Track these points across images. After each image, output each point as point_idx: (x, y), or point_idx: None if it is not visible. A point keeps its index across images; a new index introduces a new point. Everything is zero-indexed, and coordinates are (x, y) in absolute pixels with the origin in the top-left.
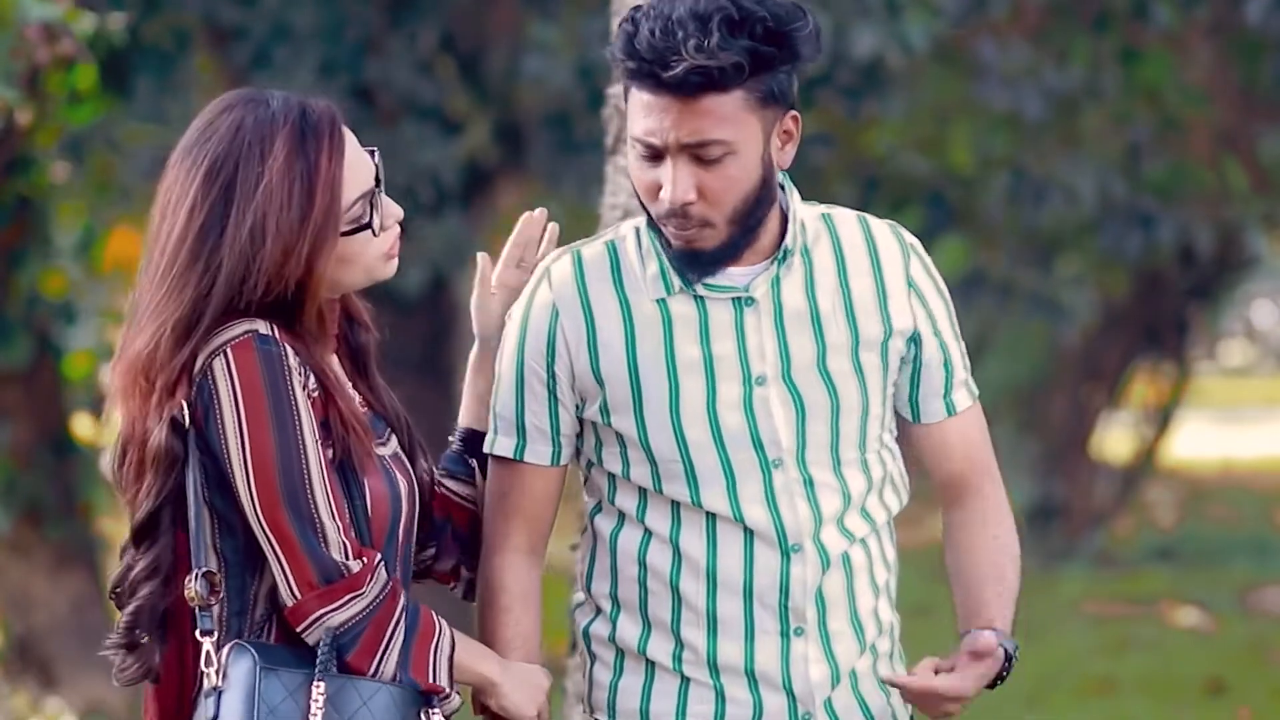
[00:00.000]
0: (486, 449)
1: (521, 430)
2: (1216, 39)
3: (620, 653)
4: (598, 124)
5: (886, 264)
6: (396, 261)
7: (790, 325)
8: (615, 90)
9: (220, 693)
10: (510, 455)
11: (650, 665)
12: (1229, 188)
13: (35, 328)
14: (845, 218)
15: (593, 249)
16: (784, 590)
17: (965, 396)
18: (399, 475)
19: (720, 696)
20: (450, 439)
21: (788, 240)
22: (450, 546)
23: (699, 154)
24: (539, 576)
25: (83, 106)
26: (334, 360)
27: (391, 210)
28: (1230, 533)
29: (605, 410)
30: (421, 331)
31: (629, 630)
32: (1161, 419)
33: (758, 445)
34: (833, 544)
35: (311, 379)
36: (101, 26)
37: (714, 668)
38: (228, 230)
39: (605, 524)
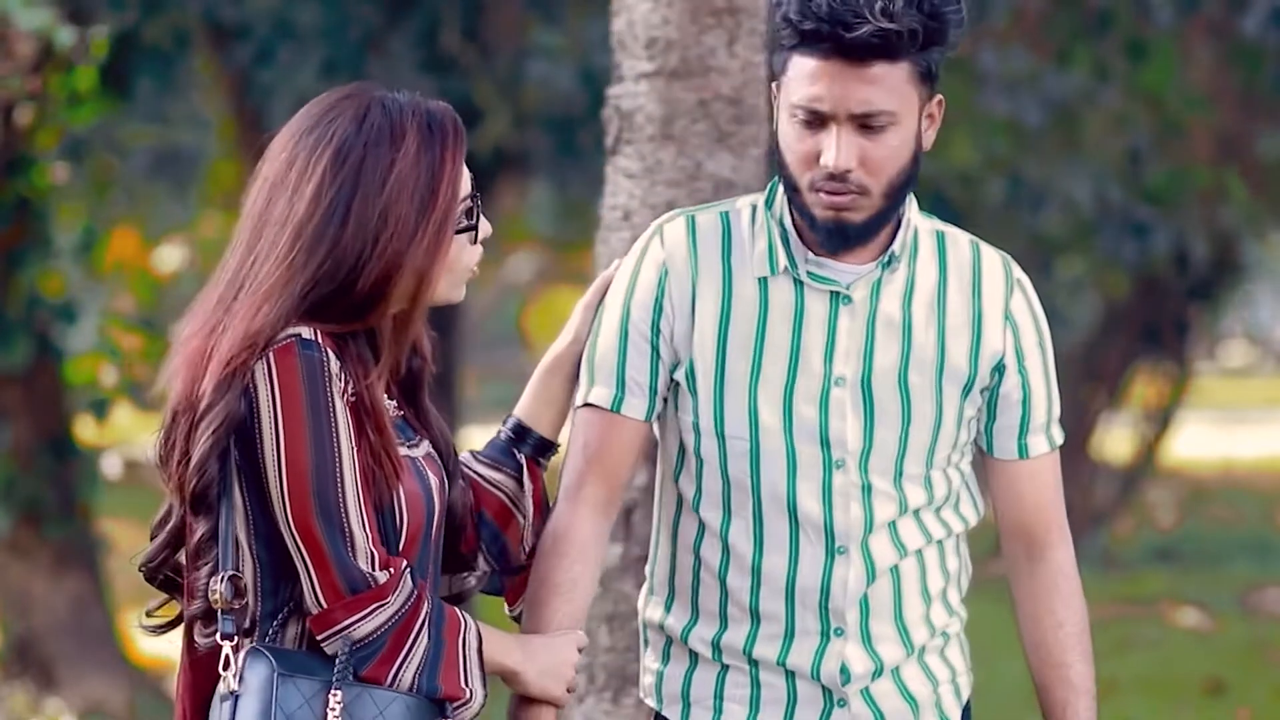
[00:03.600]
0: (580, 400)
1: (621, 382)
2: (1216, 44)
3: (669, 640)
4: (599, 126)
5: (988, 290)
6: (464, 289)
7: (880, 331)
8: (615, 92)
9: (237, 697)
10: (607, 406)
11: (694, 655)
12: (1227, 194)
13: (35, 328)
14: (958, 238)
15: (707, 216)
16: (825, 591)
17: (1043, 443)
18: (430, 472)
19: (755, 682)
20: (500, 429)
21: (895, 245)
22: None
23: (866, 122)
24: (606, 534)
25: (83, 107)
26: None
27: (485, 226)
28: (1230, 533)
29: (691, 375)
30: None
31: (679, 619)
32: (1162, 419)
33: (824, 443)
34: (881, 553)
35: (350, 384)
36: (83, 39)
37: (751, 660)
38: (353, 212)
39: (668, 511)
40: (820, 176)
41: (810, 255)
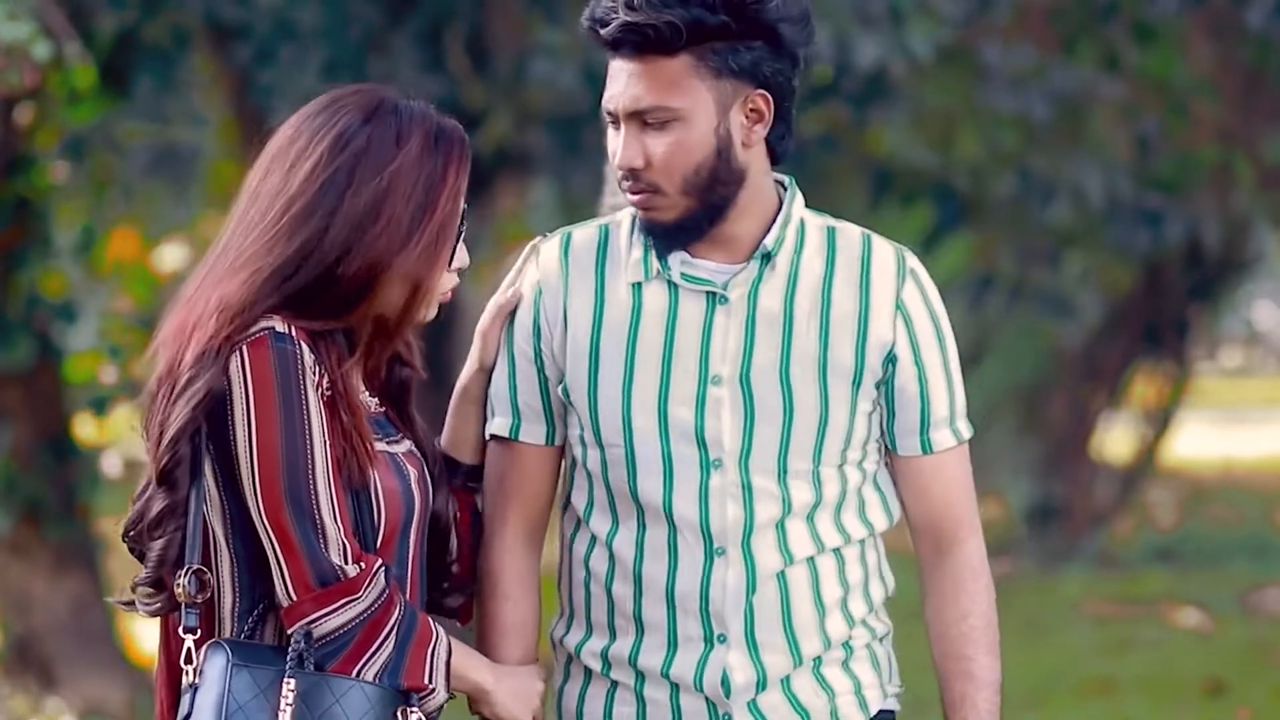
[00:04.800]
0: (487, 433)
1: (516, 410)
2: (1220, 37)
3: (569, 658)
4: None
5: (877, 281)
6: (436, 309)
7: (761, 328)
8: None
9: (195, 690)
10: (506, 434)
11: (587, 672)
12: (1235, 181)
13: (35, 328)
14: (849, 232)
15: (584, 231)
16: (704, 595)
17: (948, 437)
18: (410, 467)
19: (640, 699)
20: None
21: (768, 240)
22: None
23: (645, 119)
24: (537, 563)
25: (82, 106)
26: (354, 374)
27: (463, 255)
28: (1230, 533)
29: (567, 389)
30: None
31: (575, 635)
32: (1162, 419)
33: (701, 443)
34: (765, 557)
35: (325, 379)
36: (60, 54)
37: (637, 672)
38: (345, 199)
39: (567, 527)
40: (620, 176)
41: (686, 257)
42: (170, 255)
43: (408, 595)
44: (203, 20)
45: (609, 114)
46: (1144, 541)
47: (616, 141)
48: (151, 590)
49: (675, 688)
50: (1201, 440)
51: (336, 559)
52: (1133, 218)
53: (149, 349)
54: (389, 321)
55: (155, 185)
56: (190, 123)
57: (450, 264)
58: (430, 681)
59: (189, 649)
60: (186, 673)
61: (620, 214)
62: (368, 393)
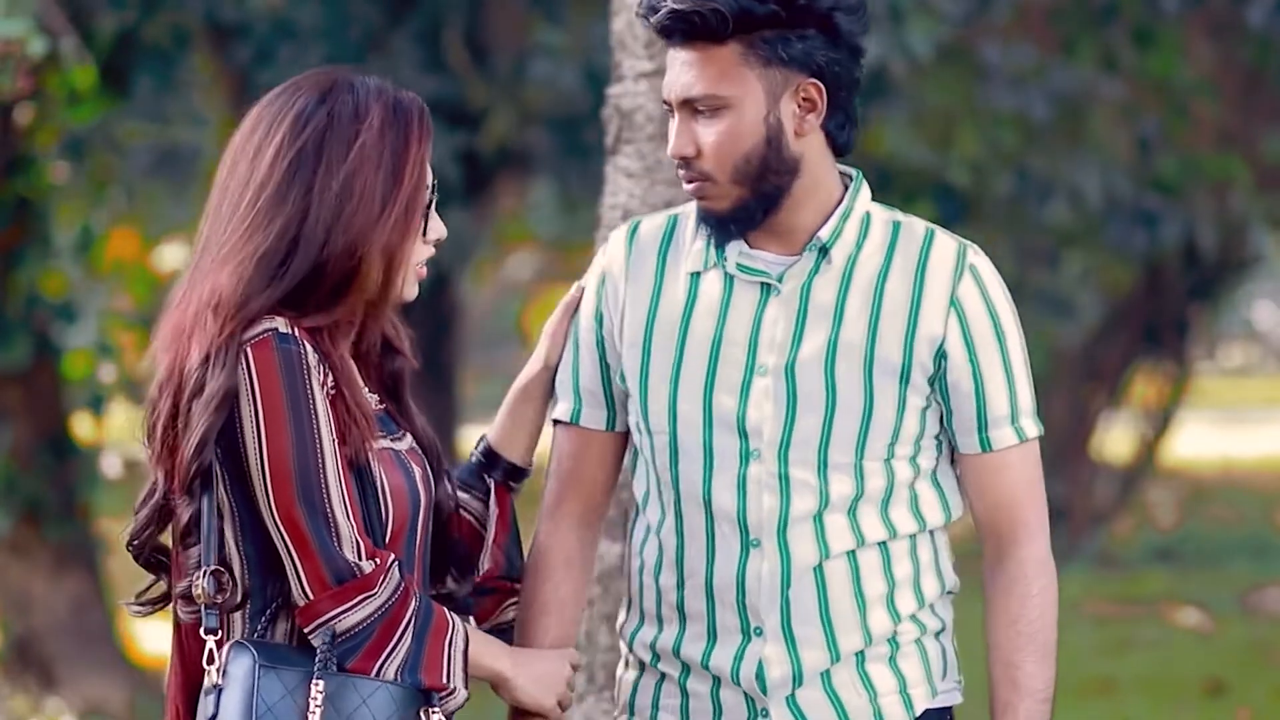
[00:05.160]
0: (550, 417)
1: (578, 394)
2: (1220, 37)
3: (628, 646)
4: (601, 125)
5: (932, 275)
6: (417, 287)
7: (810, 320)
8: (615, 91)
9: (220, 690)
10: (567, 419)
11: (640, 663)
12: (1234, 182)
13: (35, 328)
14: (914, 227)
15: (653, 220)
16: (740, 586)
17: (1008, 435)
18: (414, 464)
19: (684, 691)
20: (473, 452)
21: (822, 232)
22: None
23: (695, 107)
24: (590, 547)
25: (82, 106)
26: (349, 359)
27: (438, 226)
28: (1230, 533)
29: (623, 375)
30: (422, 329)
31: (630, 625)
32: (1162, 419)
33: (741, 433)
34: (801, 549)
35: (330, 376)
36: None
37: (681, 663)
38: (318, 178)
39: (631, 516)
40: (676, 165)
41: (744, 248)
42: (170, 255)
43: None
44: (202, 20)
45: (665, 102)
46: (1144, 541)
47: (671, 130)
48: (186, 600)
49: (716, 681)
50: (1201, 440)
51: (351, 556)
52: (1131, 218)
53: (147, 352)
54: (374, 302)
55: (155, 185)
56: (190, 123)
57: (426, 235)
58: (449, 681)
59: (210, 650)
60: (209, 673)
61: (690, 205)
62: (368, 389)
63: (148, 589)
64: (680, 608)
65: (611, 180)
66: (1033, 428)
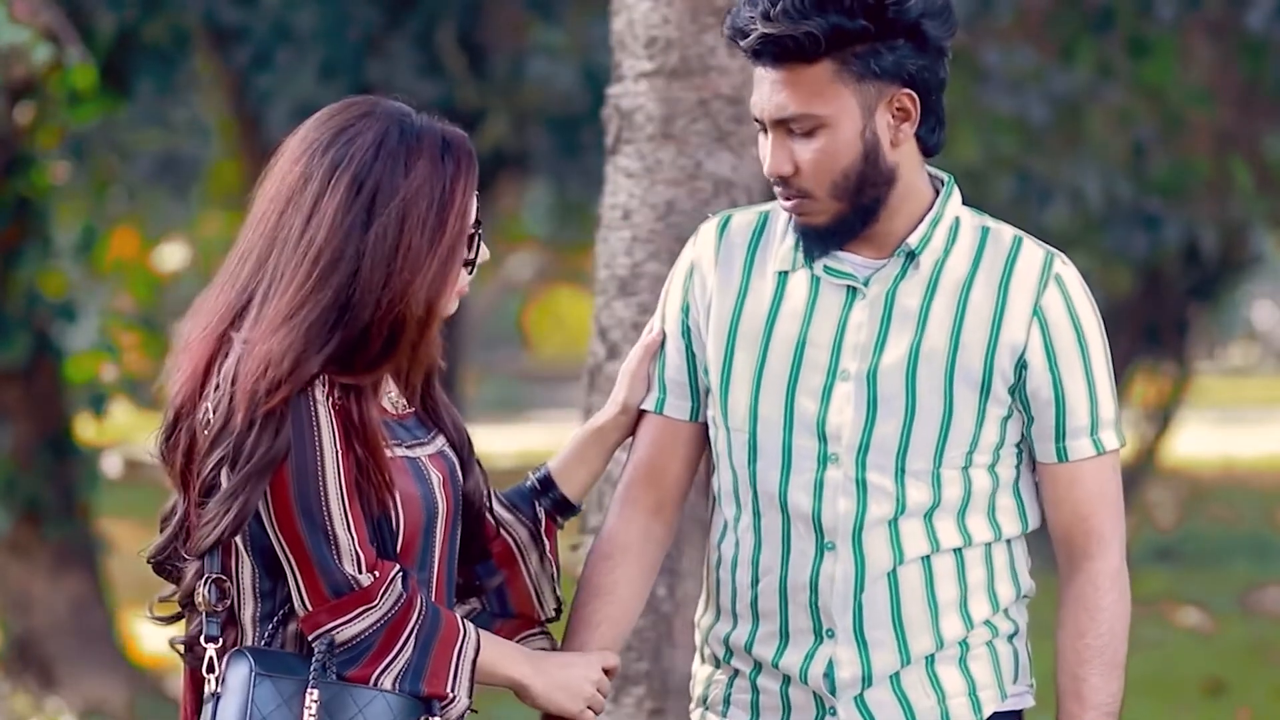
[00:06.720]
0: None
1: (663, 384)
2: (1219, 40)
3: (704, 640)
4: (600, 125)
5: (1017, 283)
6: (456, 302)
7: (894, 325)
8: (615, 91)
9: (218, 699)
10: (652, 409)
11: (715, 657)
12: (1233, 185)
13: (35, 327)
14: (1002, 234)
15: (745, 215)
16: (813, 588)
17: (1086, 446)
18: (433, 470)
19: (754, 687)
20: (529, 474)
21: (911, 239)
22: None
23: (790, 127)
24: (656, 541)
25: (83, 106)
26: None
27: (484, 252)
28: (1230, 533)
29: (706, 368)
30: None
31: (707, 619)
32: (1162, 419)
33: (821, 436)
34: (875, 554)
35: (337, 391)
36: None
37: (753, 660)
38: (369, 241)
39: (711, 511)
40: (773, 183)
41: (834, 250)
42: (170, 255)
43: (433, 596)
44: (202, 21)
45: (756, 120)
46: (1144, 541)
47: (765, 148)
48: (189, 607)
49: (786, 679)
50: (1201, 440)
51: (350, 569)
52: (1130, 221)
53: (161, 375)
54: (415, 345)
55: (156, 189)
56: (191, 129)
57: (472, 270)
58: (453, 690)
59: (210, 658)
60: (208, 681)
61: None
62: (395, 391)
63: (170, 596)
64: (754, 605)
65: (611, 180)
66: (1112, 440)
